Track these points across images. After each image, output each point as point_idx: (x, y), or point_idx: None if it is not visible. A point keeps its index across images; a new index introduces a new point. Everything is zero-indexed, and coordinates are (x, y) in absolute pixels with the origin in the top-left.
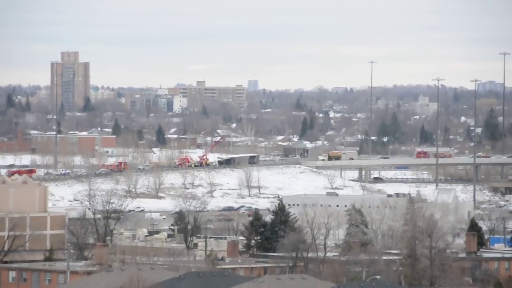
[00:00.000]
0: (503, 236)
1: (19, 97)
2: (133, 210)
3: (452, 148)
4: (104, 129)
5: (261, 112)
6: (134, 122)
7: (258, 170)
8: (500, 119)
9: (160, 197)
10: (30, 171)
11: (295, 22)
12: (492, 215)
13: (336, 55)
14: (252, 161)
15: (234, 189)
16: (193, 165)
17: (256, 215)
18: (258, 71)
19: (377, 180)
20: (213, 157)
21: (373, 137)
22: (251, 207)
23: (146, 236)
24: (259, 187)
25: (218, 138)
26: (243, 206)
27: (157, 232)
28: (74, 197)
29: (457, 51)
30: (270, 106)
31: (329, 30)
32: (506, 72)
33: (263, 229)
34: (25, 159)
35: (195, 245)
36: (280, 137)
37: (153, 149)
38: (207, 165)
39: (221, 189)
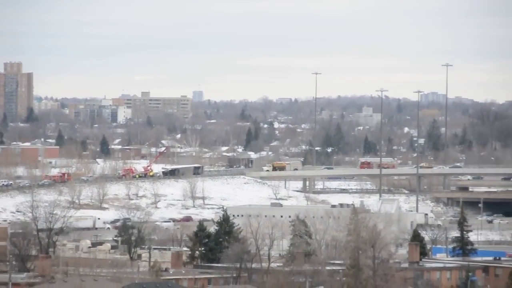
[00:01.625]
0: (445, 246)
1: None
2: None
3: (395, 158)
4: (47, 140)
5: (206, 123)
6: (78, 133)
7: (202, 181)
8: (443, 130)
9: (104, 208)
10: None
11: (240, 33)
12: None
13: (280, 66)
14: (197, 171)
15: (179, 200)
16: (137, 176)
17: (200, 226)
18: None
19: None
20: (157, 168)
21: (317, 148)
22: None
23: (89, 247)
24: (203, 198)
25: (163, 148)
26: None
27: (101, 244)
28: (16, 209)
29: (400, 62)
30: (214, 116)
31: (273, 40)
32: (449, 83)
33: (207, 240)
34: None
35: (139, 256)
36: (224, 148)
37: (97, 159)
38: (151, 176)
39: (165, 200)
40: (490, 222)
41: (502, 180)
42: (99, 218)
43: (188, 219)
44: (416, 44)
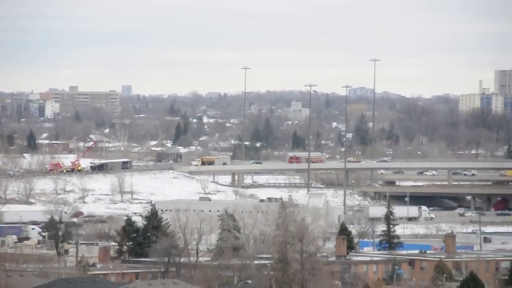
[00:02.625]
0: (372, 240)
1: None
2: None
3: (324, 153)
4: None
5: (135, 117)
6: (5, 127)
7: (131, 176)
8: (370, 124)
9: (31, 203)
10: None
11: (169, 27)
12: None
13: (209, 61)
14: (125, 166)
15: (107, 195)
16: (65, 171)
17: (128, 220)
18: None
19: (250, 185)
20: (85, 163)
21: (246, 142)
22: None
23: (15, 242)
24: (131, 193)
25: (91, 143)
26: None
27: (27, 239)
28: None
29: (329, 57)
30: (143, 111)
31: (203, 35)
32: (376, 78)
33: (135, 234)
34: None
35: (66, 251)
36: (153, 142)
37: (24, 154)
38: (79, 170)
39: (93, 195)
40: (462, 215)
41: (418, 174)
42: (65, 213)
43: (78, 214)
44: (344, 39)
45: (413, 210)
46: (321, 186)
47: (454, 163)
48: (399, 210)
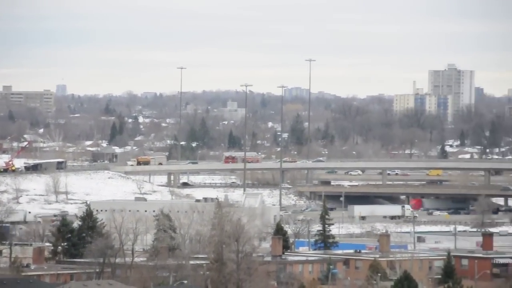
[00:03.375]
0: (307, 240)
1: None
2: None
3: (260, 153)
4: None
5: (70, 117)
6: None
7: (66, 176)
8: (306, 124)
9: None
10: None
11: (104, 27)
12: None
13: (145, 60)
14: (60, 166)
15: (41, 195)
16: None
17: (63, 220)
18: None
19: (185, 185)
20: (19, 163)
21: (182, 142)
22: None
23: None
24: (66, 193)
25: (25, 143)
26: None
27: None
28: None
29: (265, 57)
30: (78, 111)
31: (137, 35)
32: (312, 78)
33: (70, 235)
34: None
35: (0, 252)
36: (88, 142)
37: None
38: (13, 170)
39: (27, 195)
40: (430, 213)
41: (345, 174)
42: (29, 212)
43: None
44: (279, 39)
45: (396, 209)
46: (257, 185)
47: (388, 163)
48: (383, 209)
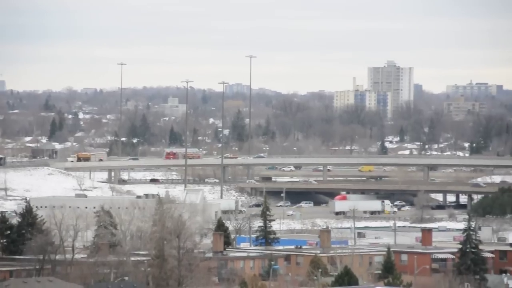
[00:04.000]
0: (248, 236)
1: None
2: None
3: (201, 149)
4: None
5: (9, 113)
6: None
7: (4, 172)
8: (247, 120)
9: None
10: None
11: (43, 22)
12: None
13: (85, 56)
14: None
15: None
16: None
17: (2, 217)
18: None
19: (125, 181)
20: None
21: (123, 139)
22: None
23: None
24: (5, 189)
25: None
26: None
27: None
28: None
29: (205, 53)
30: (17, 107)
31: (77, 30)
32: (253, 74)
33: (9, 231)
34: None
35: None
36: (28, 138)
37: None
38: None
39: None
40: (399, 209)
41: (280, 171)
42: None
43: None
44: (220, 36)
45: (376, 204)
46: (198, 182)
47: (329, 159)
48: (363, 205)
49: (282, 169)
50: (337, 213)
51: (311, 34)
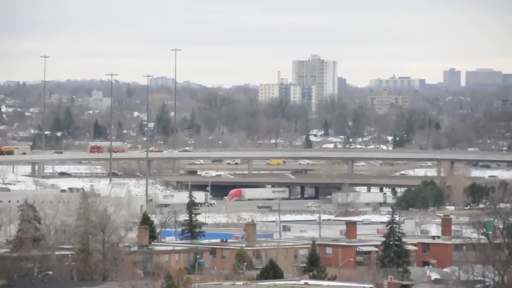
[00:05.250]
0: (174, 229)
1: None
2: None
3: (126, 142)
4: None
5: None
6: None
7: None
8: (172, 114)
9: None
10: None
11: None
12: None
13: (7, 49)
14: None
15: None
16: None
17: None
18: None
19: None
20: None
21: (47, 132)
22: None
23: None
24: None
25: None
26: None
27: None
28: None
29: (129, 46)
30: None
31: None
32: (177, 68)
33: None
34: None
35: None
36: None
37: None
38: None
39: None
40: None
41: (212, 163)
42: None
43: None
44: (144, 29)
45: (378, 196)
46: (123, 175)
47: (254, 153)
48: (365, 197)
49: (194, 162)
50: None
51: (236, 27)
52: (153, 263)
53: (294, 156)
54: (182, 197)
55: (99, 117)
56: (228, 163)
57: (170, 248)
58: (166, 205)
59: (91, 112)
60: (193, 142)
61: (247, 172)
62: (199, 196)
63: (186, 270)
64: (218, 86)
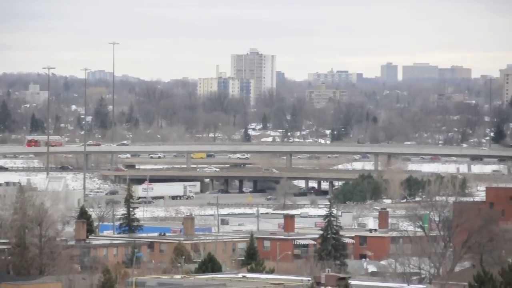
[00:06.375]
0: (112, 223)
1: None
2: None
3: (63, 136)
4: None
5: None
6: None
7: None
8: (110, 107)
9: None
10: None
11: None
12: (101, 202)
13: None
14: None
15: None
16: None
17: None
18: None
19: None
20: None
21: None
22: None
23: None
24: None
25: None
26: None
27: None
28: None
29: (67, 40)
30: None
31: None
32: (116, 61)
33: None
34: None
35: None
36: None
37: None
38: None
39: None
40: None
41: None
42: None
43: None
44: (81, 22)
45: (178, 189)
46: (61, 169)
47: (192, 146)
48: (166, 190)
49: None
50: (139, 198)
51: (174, 21)
52: (90, 257)
53: (233, 150)
54: (161, 190)
55: (36, 111)
56: (160, 157)
57: (108, 242)
58: (144, 198)
59: (28, 105)
60: (131, 136)
61: (185, 166)
62: (178, 189)
63: (124, 264)
64: (156, 79)
